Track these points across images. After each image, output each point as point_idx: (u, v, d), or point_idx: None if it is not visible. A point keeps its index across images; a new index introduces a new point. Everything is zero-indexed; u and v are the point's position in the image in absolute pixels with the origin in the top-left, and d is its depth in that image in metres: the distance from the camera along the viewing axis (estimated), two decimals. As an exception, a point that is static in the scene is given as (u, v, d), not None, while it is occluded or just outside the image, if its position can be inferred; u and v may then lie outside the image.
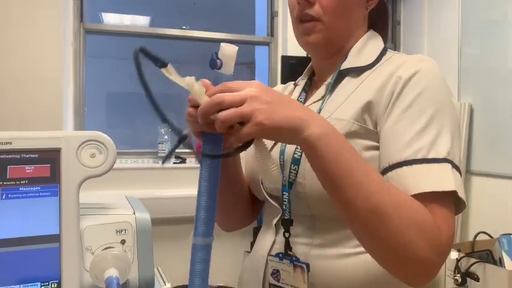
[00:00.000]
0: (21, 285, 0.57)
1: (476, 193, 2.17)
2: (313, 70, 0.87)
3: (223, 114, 0.54)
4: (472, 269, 1.61)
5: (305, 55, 2.52)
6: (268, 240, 0.77)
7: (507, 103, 2.02)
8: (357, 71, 0.75)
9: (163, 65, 0.55)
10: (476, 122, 2.20)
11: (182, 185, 2.32)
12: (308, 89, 0.85)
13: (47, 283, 0.58)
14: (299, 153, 0.71)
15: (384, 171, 0.65)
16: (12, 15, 2.17)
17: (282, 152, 0.74)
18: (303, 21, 0.76)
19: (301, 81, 0.87)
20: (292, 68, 2.52)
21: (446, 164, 0.62)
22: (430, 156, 0.62)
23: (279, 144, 0.75)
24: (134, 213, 0.66)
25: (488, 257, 1.66)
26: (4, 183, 0.59)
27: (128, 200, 0.75)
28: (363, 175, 0.58)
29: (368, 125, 0.69)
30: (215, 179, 0.60)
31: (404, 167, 0.63)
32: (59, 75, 2.26)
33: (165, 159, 0.65)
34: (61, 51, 2.28)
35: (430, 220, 0.59)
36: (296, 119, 0.56)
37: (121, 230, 0.64)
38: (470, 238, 1.88)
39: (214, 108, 0.55)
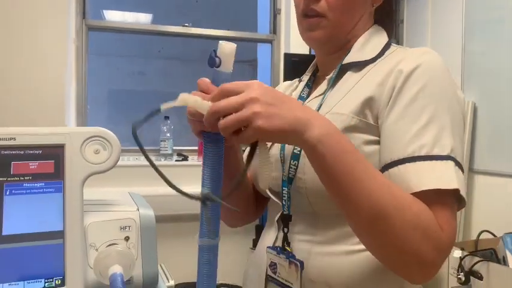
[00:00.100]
0: (25, 282, 0.57)
1: (480, 191, 2.16)
2: (318, 65, 0.86)
3: (221, 123, 0.54)
4: (476, 267, 1.60)
5: (308, 53, 2.52)
6: (271, 236, 0.78)
7: (511, 102, 2.01)
8: (359, 66, 0.75)
9: (158, 110, 0.56)
10: (480, 121, 2.19)
11: (184, 182, 2.32)
12: (312, 85, 0.85)
13: (51, 279, 0.58)
14: (299, 149, 0.71)
15: (386, 167, 0.65)
16: (15, 12, 2.17)
17: (282, 148, 0.74)
18: (308, 16, 0.75)
19: (305, 77, 0.87)
20: (295, 66, 2.51)
21: (450, 161, 0.62)
22: (434, 152, 0.62)
23: None
24: (138, 209, 0.66)
25: (492, 255, 1.66)
26: (8, 179, 0.58)
27: (132, 197, 0.75)
28: (364, 176, 0.58)
29: (368, 120, 0.68)
30: (218, 179, 0.60)
31: (407, 164, 0.62)
32: (62, 72, 2.26)
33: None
34: (64, 48, 2.28)
35: (432, 222, 0.59)
36: (296, 121, 0.55)
37: (125, 227, 0.64)
38: (473, 237, 1.87)
39: (214, 118, 0.55)
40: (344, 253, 0.69)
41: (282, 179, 0.73)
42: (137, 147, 0.56)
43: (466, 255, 1.66)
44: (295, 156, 0.71)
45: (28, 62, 2.18)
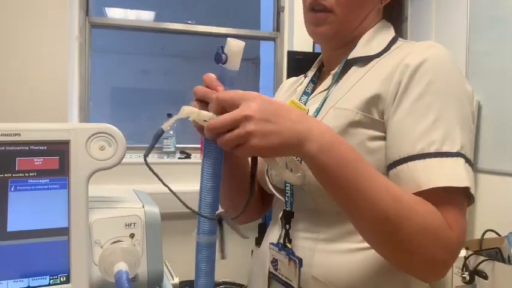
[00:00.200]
0: (30, 278, 0.57)
1: (484, 191, 2.15)
2: (323, 61, 0.85)
3: (219, 140, 0.55)
4: (481, 267, 1.60)
5: (312, 50, 2.51)
6: (275, 233, 0.77)
7: (516, 100, 2.00)
8: (364, 60, 0.74)
9: (161, 131, 0.58)
10: (484, 120, 2.18)
11: (187, 180, 2.32)
12: (317, 80, 0.84)
13: (56, 276, 0.58)
14: None
15: (394, 164, 0.64)
16: (18, 9, 2.17)
17: None
18: (315, 10, 0.74)
19: (310, 73, 0.87)
20: (298, 64, 2.50)
21: (460, 158, 0.61)
22: (444, 149, 0.61)
23: None
24: (143, 206, 0.66)
25: (497, 255, 1.65)
26: (13, 175, 0.58)
27: (137, 194, 0.75)
28: (367, 184, 0.57)
29: (373, 115, 0.67)
30: (217, 177, 0.60)
31: (416, 161, 0.61)
32: (65, 69, 2.26)
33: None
34: (67, 45, 2.27)
35: (441, 222, 0.58)
36: (294, 136, 0.55)
37: (130, 224, 0.63)
38: (477, 236, 1.86)
39: (212, 134, 0.56)
40: (348, 251, 0.69)
41: None
42: (139, 145, 0.57)
43: (471, 255, 1.65)
44: None
45: (31, 59, 2.18)
